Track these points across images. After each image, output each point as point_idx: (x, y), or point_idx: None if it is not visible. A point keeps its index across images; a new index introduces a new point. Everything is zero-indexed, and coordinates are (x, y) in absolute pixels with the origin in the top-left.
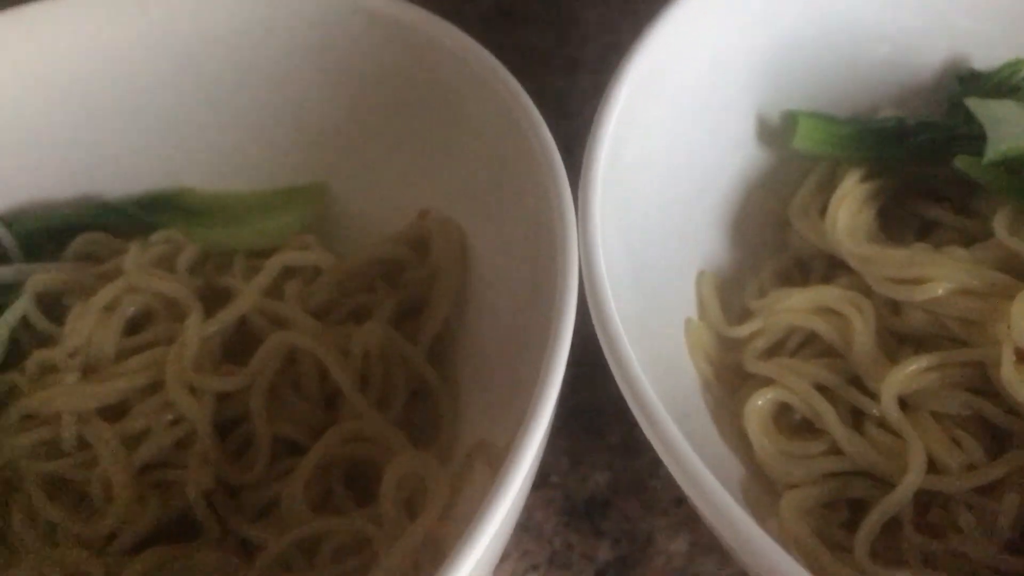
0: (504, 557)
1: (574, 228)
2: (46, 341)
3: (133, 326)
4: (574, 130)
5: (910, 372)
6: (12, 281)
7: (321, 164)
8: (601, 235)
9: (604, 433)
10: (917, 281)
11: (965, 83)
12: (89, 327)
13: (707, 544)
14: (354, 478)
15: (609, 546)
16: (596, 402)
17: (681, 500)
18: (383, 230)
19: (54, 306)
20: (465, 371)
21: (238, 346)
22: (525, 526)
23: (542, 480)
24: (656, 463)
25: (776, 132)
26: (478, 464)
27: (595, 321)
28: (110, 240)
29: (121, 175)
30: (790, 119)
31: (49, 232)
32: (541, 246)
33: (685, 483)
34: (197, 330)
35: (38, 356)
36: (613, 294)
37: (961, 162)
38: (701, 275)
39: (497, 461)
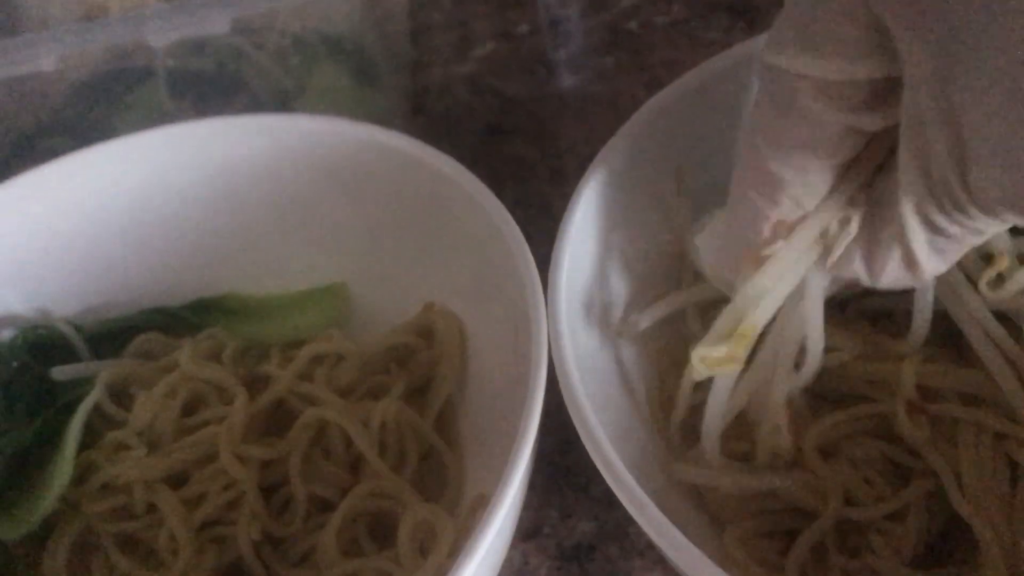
0: None
1: (542, 306)
2: (115, 424)
3: (188, 409)
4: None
5: (827, 426)
6: (83, 376)
7: (341, 268)
8: (566, 318)
9: (589, 489)
10: (828, 350)
11: None
12: (153, 411)
13: None
14: (375, 528)
15: None
16: (582, 463)
17: (652, 545)
18: (394, 321)
19: (120, 395)
20: (466, 436)
21: (276, 422)
22: (521, 571)
23: (536, 531)
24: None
25: None
26: (479, 513)
27: (565, 398)
28: (164, 339)
29: (173, 284)
30: None
31: (111, 333)
32: (518, 325)
33: (653, 534)
34: (243, 410)
35: (111, 436)
36: (577, 368)
37: None
38: None
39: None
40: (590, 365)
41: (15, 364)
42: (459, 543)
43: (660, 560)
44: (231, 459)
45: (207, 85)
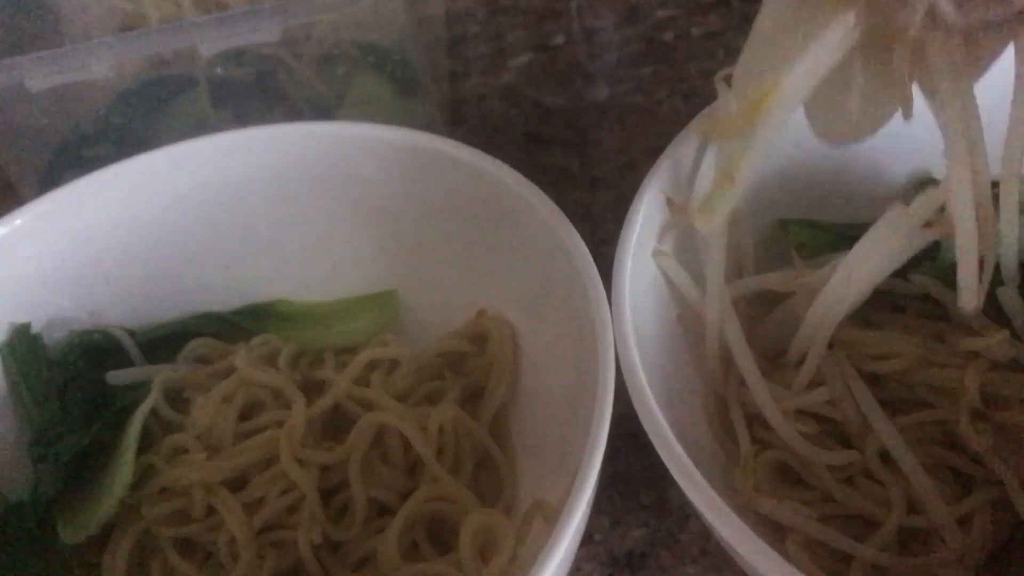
0: None
1: (609, 321)
2: (171, 428)
3: (245, 413)
4: (599, 237)
5: (889, 432)
6: (138, 380)
7: (391, 276)
8: (632, 325)
9: (639, 496)
10: (887, 357)
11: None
12: (211, 415)
13: None
14: (434, 532)
15: None
16: (631, 470)
17: (706, 551)
18: (444, 329)
19: (175, 399)
20: (520, 442)
21: (333, 426)
22: None
23: (587, 538)
24: (684, 520)
25: (769, 239)
26: (536, 519)
27: (634, 402)
28: (217, 344)
29: (226, 290)
30: (781, 226)
31: (164, 339)
32: (583, 337)
33: (727, 534)
34: (303, 414)
35: (170, 440)
36: (646, 376)
37: (916, 274)
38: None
39: (552, 517)
40: (658, 371)
41: (70, 368)
42: (518, 549)
43: (714, 567)
44: (292, 463)
45: (248, 95)
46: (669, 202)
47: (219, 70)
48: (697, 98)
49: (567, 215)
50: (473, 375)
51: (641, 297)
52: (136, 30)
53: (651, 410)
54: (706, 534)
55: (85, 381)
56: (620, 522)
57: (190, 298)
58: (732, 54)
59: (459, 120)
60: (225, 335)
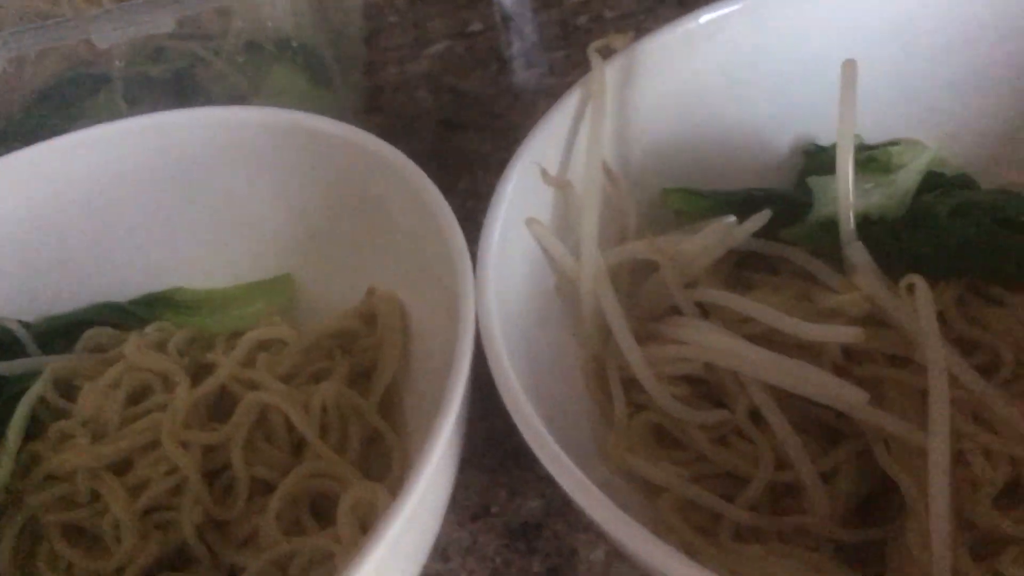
0: None
1: (470, 290)
2: (61, 416)
3: (134, 399)
4: None
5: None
6: (31, 370)
7: (286, 260)
8: (495, 294)
9: (535, 468)
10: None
11: (810, 157)
12: (98, 401)
13: (620, 553)
14: (320, 509)
15: (540, 560)
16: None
17: None
18: (340, 307)
19: (67, 388)
20: (411, 418)
21: (221, 408)
22: (470, 549)
23: (484, 511)
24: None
25: (655, 206)
26: None
27: (492, 370)
28: (114, 333)
29: (121, 279)
30: (664, 194)
31: (60, 329)
32: (453, 310)
33: (594, 513)
34: (186, 396)
35: (56, 427)
36: (508, 345)
37: (786, 234)
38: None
39: None
40: (522, 341)
41: None
42: None
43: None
44: (172, 444)
45: (163, 91)
46: (543, 173)
47: (133, 67)
48: None
49: (482, 198)
50: (363, 354)
51: (514, 267)
52: (31, 24)
53: (507, 377)
54: None
55: None
56: (517, 493)
57: (88, 289)
58: (642, 34)
59: (377, 108)
60: (123, 324)
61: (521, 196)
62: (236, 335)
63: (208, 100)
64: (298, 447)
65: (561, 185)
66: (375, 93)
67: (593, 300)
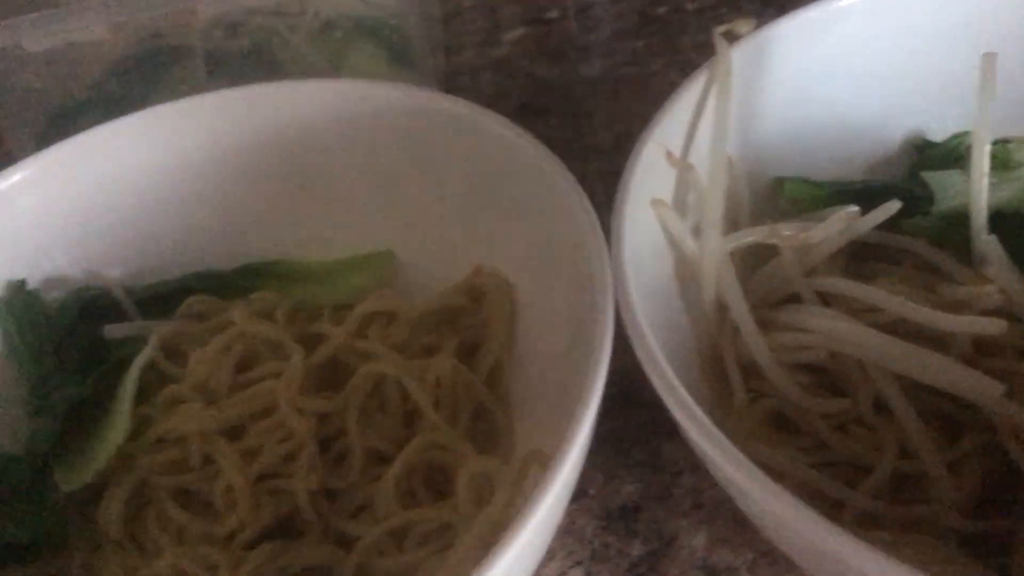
0: (551, 556)
1: (608, 273)
2: (168, 382)
3: (242, 366)
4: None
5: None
6: (134, 335)
7: (389, 235)
8: (633, 276)
9: (632, 453)
10: (879, 309)
11: (922, 152)
12: (208, 366)
13: (722, 538)
14: (432, 481)
15: (640, 543)
16: (624, 428)
17: (699, 504)
18: (440, 287)
19: (172, 354)
20: (517, 396)
21: (329, 381)
22: (568, 530)
23: (581, 493)
24: (676, 475)
25: (763, 194)
26: (532, 468)
27: (638, 352)
28: (214, 301)
29: (220, 249)
30: (777, 183)
31: (161, 296)
32: (581, 291)
33: (731, 472)
34: (300, 364)
35: (167, 391)
36: (650, 325)
37: (908, 226)
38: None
39: (547, 466)
40: (655, 324)
41: (66, 323)
42: (515, 496)
43: (707, 519)
44: (290, 411)
45: (243, 66)
46: (668, 155)
47: (214, 42)
48: (692, 69)
49: None
50: (469, 330)
51: (638, 249)
52: None
53: (657, 360)
54: (699, 488)
55: (81, 336)
56: (614, 477)
57: (187, 256)
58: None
59: (453, 92)
60: (222, 293)
61: (643, 177)
62: (341, 308)
63: (286, 77)
64: (409, 419)
65: (684, 167)
66: (452, 77)
67: (714, 285)
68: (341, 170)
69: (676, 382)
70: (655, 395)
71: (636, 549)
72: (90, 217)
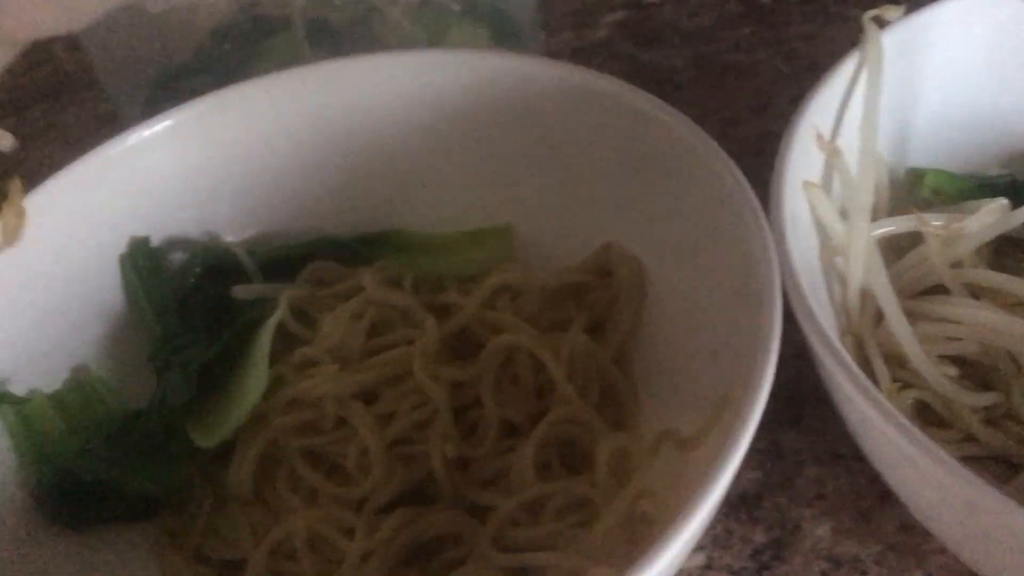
0: None
1: (773, 257)
2: (295, 344)
3: (372, 332)
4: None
5: None
6: (260, 297)
7: (508, 209)
8: (796, 259)
9: (753, 441)
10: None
11: None
12: (341, 331)
13: (847, 530)
14: (563, 455)
15: (763, 531)
16: None
17: (823, 495)
18: (561, 264)
19: (299, 317)
20: (642, 374)
21: (457, 349)
22: None
23: None
24: (799, 465)
25: (901, 185)
26: (665, 447)
27: (810, 336)
28: (337, 267)
29: (342, 217)
30: (915, 174)
31: (281, 260)
32: (733, 273)
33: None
34: (435, 331)
35: (300, 353)
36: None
37: None
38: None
39: (685, 446)
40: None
41: (190, 282)
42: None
43: (831, 510)
44: (426, 377)
45: (342, 38)
46: (819, 138)
47: (313, 13)
48: (799, 59)
49: None
50: (596, 308)
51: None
52: None
53: (837, 351)
54: (822, 479)
55: (205, 296)
56: None
57: (305, 223)
58: (831, 18)
59: None
60: (341, 260)
61: (795, 159)
62: (465, 280)
63: (384, 50)
64: (540, 392)
65: (832, 152)
66: (551, 57)
67: (861, 271)
68: (461, 142)
69: (849, 360)
70: (777, 383)
71: (759, 536)
72: (214, 180)
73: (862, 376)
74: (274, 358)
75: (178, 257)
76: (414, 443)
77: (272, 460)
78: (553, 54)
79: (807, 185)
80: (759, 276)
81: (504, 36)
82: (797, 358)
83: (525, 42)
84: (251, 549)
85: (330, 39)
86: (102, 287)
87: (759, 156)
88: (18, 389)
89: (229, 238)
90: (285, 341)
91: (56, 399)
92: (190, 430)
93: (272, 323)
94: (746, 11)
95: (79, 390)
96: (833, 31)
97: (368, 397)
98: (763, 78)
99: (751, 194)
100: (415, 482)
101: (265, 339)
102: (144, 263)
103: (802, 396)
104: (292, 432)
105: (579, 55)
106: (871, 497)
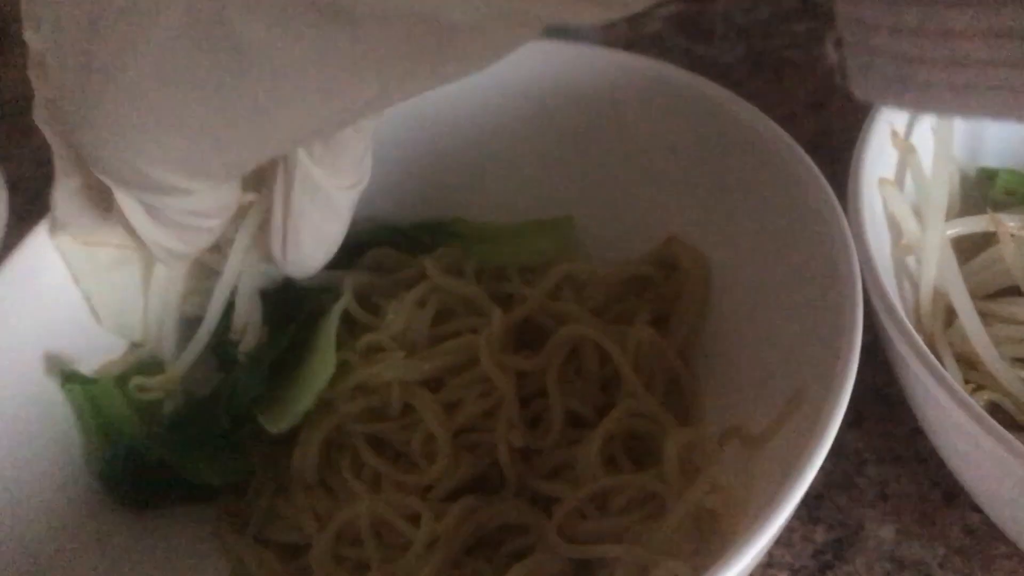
0: None
1: (854, 255)
2: (359, 330)
3: (436, 320)
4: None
5: None
6: (323, 284)
7: (569, 200)
8: (877, 255)
9: None
10: None
11: None
12: (406, 317)
13: (910, 532)
14: (628, 448)
15: (824, 530)
16: None
17: (885, 496)
18: (623, 254)
19: (361, 302)
20: (705, 368)
21: (520, 339)
22: None
23: None
24: (860, 465)
25: (971, 185)
26: (729, 443)
27: (890, 331)
28: (398, 255)
29: (401, 204)
30: (986, 174)
31: (342, 247)
32: (810, 269)
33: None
34: (501, 320)
35: (366, 339)
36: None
37: None
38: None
39: (753, 443)
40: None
41: None
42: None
43: (893, 512)
44: (493, 366)
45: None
46: (894, 135)
47: None
48: None
49: None
50: (660, 301)
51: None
52: None
53: (915, 342)
54: (884, 480)
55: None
56: None
57: (365, 210)
58: None
59: None
60: (401, 247)
61: (871, 155)
62: (527, 270)
63: None
64: (605, 385)
65: (908, 150)
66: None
67: (933, 271)
68: (523, 131)
69: (933, 358)
70: None
71: (820, 535)
72: None
73: (947, 375)
74: (338, 344)
75: None
76: (479, 432)
77: (336, 445)
78: (607, 47)
79: (883, 182)
80: (839, 273)
81: (559, 28)
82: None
83: (581, 34)
84: (315, 533)
85: None
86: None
87: (816, 152)
88: (85, 369)
89: None
90: (347, 327)
91: (122, 380)
92: (261, 418)
93: (338, 309)
94: (803, 6)
95: (144, 373)
96: None
97: (433, 384)
98: (820, 75)
99: (829, 190)
100: (479, 471)
101: (331, 326)
102: None
103: (862, 395)
104: (357, 418)
105: (633, 48)
106: (935, 499)
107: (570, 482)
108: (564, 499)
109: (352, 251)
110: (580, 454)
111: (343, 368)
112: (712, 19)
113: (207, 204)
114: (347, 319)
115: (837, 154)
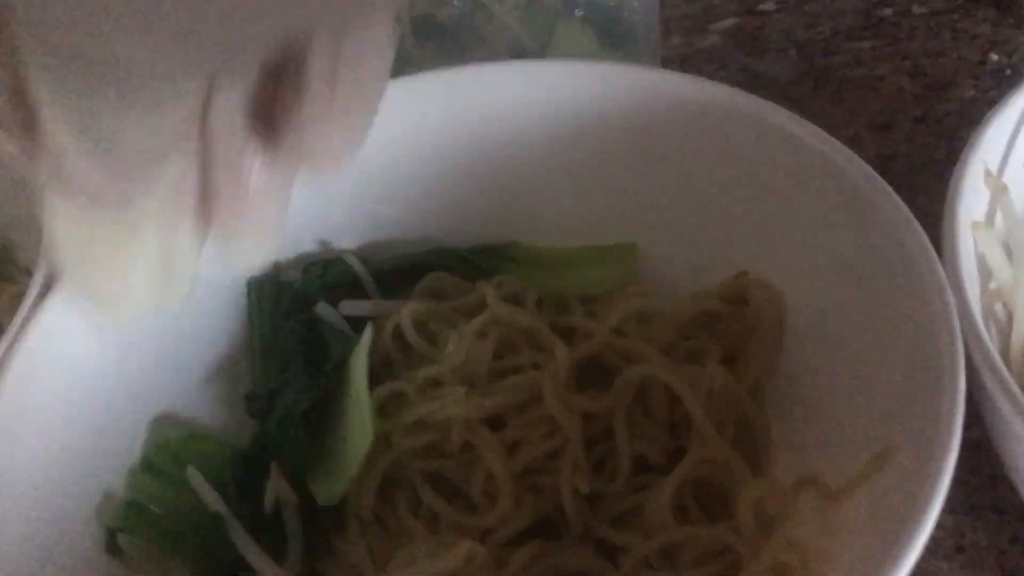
0: None
1: (951, 300)
2: (413, 359)
3: (496, 352)
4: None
5: None
6: (370, 314)
7: (629, 227)
8: (976, 303)
9: None
10: None
11: None
12: (466, 350)
13: None
14: (697, 497)
15: None
16: None
17: (961, 548)
18: (687, 289)
19: (418, 328)
20: (777, 413)
21: (584, 376)
22: None
23: None
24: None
25: None
26: (804, 494)
27: (989, 382)
28: (456, 280)
29: (457, 227)
30: None
31: (395, 269)
32: (899, 313)
33: None
34: (567, 358)
35: (425, 371)
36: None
37: None
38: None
39: (831, 496)
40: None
41: (299, 304)
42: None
43: (969, 564)
44: (559, 405)
45: (447, 36)
46: (987, 175)
47: (421, 8)
48: (923, 76)
49: None
50: (730, 338)
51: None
52: None
53: (1012, 392)
54: (960, 530)
55: (301, 322)
56: None
57: (421, 231)
58: (958, 35)
59: None
60: (456, 271)
61: (966, 195)
62: (588, 300)
63: (488, 52)
64: (674, 427)
65: (1000, 189)
66: (662, 64)
67: None
68: (586, 154)
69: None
70: None
71: None
72: (328, 184)
73: None
74: (390, 370)
75: (294, 268)
76: (542, 473)
77: (392, 480)
78: (662, 61)
79: (975, 226)
80: (936, 323)
81: (615, 39)
82: None
83: (641, 48)
84: (372, 572)
85: (437, 35)
86: (222, 313)
87: (881, 177)
88: None
89: (341, 244)
90: (402, 348)
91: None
92: (312, 488)
93: (360, 354)
94: (866, 23)
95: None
96: (960, 48)
97: (495, 422)
98: (885, 95)
99: (921, 232)
100: (541, 514)
101: (359, 378)
102: (269, 294)
103: None
104: (415, 454)
105: (689, 63)
106: (1015, 554)
107: (637, 530)
108: (631, 549)
109: (403, 272)
110: (650, 501)
111: (399, 400)
112: (771, 34)
113: (147, 125)
114: (402, 342)
115: (903, 179)
